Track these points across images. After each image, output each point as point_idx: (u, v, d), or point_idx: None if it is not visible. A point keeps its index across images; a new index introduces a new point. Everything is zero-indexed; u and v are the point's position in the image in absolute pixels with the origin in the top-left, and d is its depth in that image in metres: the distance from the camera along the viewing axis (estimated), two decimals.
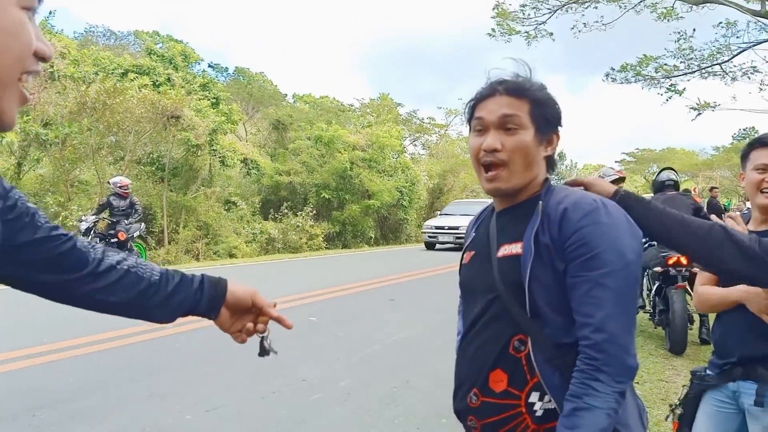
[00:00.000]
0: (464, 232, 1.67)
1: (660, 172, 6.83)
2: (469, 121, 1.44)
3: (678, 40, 11.80)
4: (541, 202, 1.34)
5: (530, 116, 1.34)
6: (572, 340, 1.25)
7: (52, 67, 15.50)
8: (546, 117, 1.37)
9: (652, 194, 6.75)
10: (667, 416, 2.30)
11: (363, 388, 4.74)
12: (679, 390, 3.70)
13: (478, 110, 1.40)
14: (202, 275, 1.30)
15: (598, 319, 1.20)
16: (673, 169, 6.85)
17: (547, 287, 1.26)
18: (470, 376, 1.40)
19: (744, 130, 53.20)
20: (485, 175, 1.38)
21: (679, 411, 2.19)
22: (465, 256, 1.54)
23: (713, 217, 1.82)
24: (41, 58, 0.80)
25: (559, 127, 1.41)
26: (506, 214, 1.43)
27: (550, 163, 1.43)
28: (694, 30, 11.93)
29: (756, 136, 2.14)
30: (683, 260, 5.91)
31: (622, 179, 6.42)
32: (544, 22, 12.82)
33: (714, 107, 12.62)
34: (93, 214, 12.25)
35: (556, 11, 12.61)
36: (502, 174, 1.35)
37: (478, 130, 1.39)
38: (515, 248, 1.33)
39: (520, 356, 1.30)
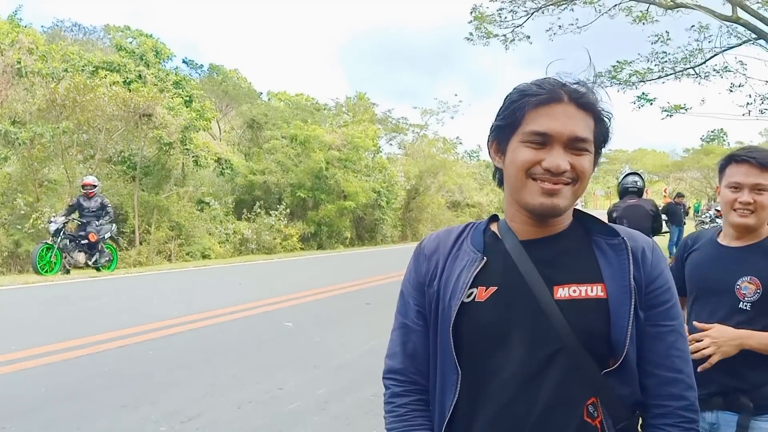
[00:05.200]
0: None
1: (626, 176, 6.61)
2: (513, 122, 1.13)
3: (656, 42, 12.06)
4: (626, 239, 1.13)
5: (594, 136, 1.12)
6: (641, 399, 1.12)
7: (20, 62, 15.13)
8: (603, 138, 1.15)
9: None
10: None
11: (341, 396, 4.70)
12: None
13: (537, 117, 1.09)
14: None
15: (688, 374, 1.11)
16: (639, 174, 6.65)
17: (633, 339, 1.09)
18: None
19: (712, 131, 54.42)
20: (543, 186, 1.08)
21: None
22: (477, 291, 1.15)
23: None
24: None
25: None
26: (546, 245, 1.16)
27: None
28: (667, 32, 12.19)
29: (734, 150, 2.03)
30: None
31: None
32: (520, 25, 12.96)
33: (686, 110, 12.87)
34: (62, 215, 11.99)
35: (532, 14, 12.73)
36: (566, 192, 1.10)
37: (535, 142, 1.09)
38: (591, 290, 1.10)
39: (596, 424, 1.08)
